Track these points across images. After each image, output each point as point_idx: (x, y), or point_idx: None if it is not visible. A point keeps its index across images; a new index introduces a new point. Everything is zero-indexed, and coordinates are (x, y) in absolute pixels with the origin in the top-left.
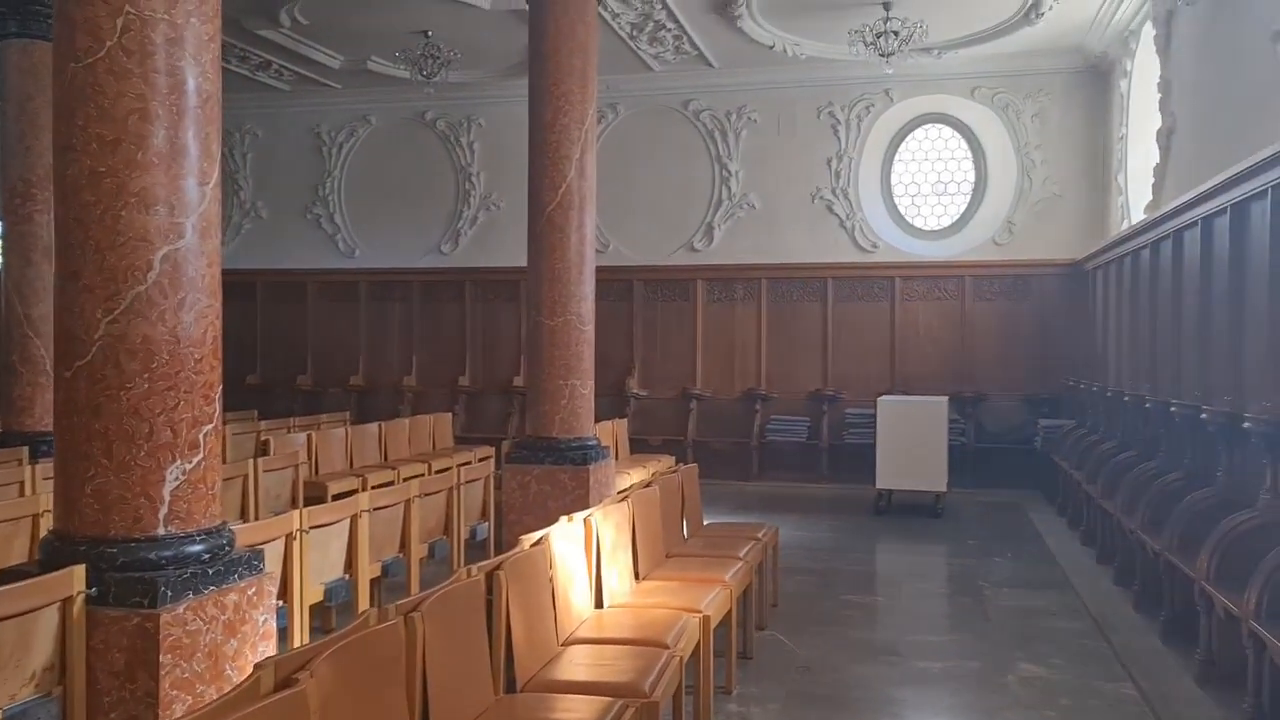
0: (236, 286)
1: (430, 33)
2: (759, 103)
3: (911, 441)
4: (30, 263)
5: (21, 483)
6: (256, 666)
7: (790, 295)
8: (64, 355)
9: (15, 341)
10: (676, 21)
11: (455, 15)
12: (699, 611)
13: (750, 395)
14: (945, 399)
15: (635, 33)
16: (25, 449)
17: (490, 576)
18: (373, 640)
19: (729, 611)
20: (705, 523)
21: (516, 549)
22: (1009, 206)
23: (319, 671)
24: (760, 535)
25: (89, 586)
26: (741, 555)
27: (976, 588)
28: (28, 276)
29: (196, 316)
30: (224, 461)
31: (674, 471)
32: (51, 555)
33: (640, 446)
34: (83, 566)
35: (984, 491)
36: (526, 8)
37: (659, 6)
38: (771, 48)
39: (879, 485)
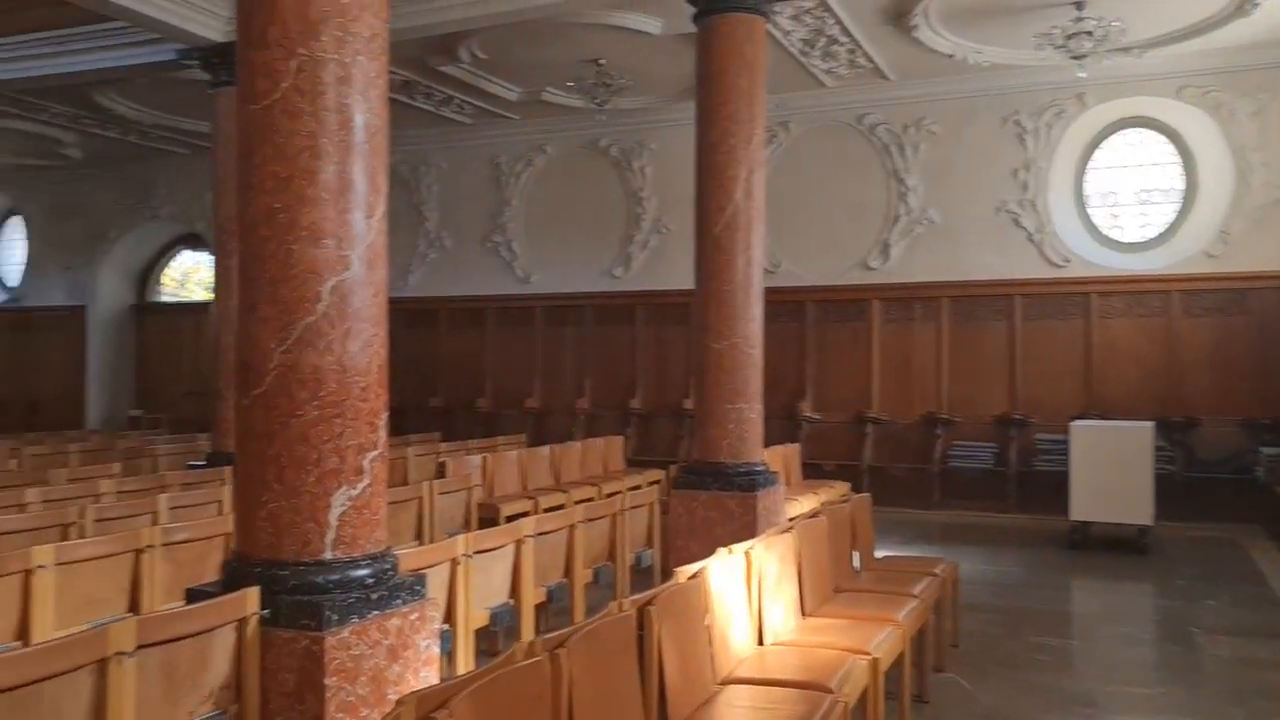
0: (421, 314)
1: (602, 61)
2: (938, 114)
3: (1111, 470)
4: (234, 295)
5: (220, 502)
6: (398, 702)
7: (973, 314)
8: (243, 384)
9: (222, 369)
10: (850, 36)
11: (627, 42)
12: (867, 653)
13: (930, 419)
14: (1150, 424)
15: (807, 49)
16: (229, 469)
17: (642, 611)
18: (516, 678)
19: (901, 653)
20: (879, 555)
21: (671, 582)
22: (1223, 215)
23: (458, 710)
24: (938, 570)
25: (263, 608)
26: (916, 592)
27: (1187, 634)
28: (231, 309)
29: (362, 345)
30: (405, 483)
31: (844, 501)
32: (232, 576)
33: (813, 472)
34: (257, 588)
35: (1196, 525)
36: (695, 31)
37: (831, 22)
38: (951, 57)
39: (1073, 517)
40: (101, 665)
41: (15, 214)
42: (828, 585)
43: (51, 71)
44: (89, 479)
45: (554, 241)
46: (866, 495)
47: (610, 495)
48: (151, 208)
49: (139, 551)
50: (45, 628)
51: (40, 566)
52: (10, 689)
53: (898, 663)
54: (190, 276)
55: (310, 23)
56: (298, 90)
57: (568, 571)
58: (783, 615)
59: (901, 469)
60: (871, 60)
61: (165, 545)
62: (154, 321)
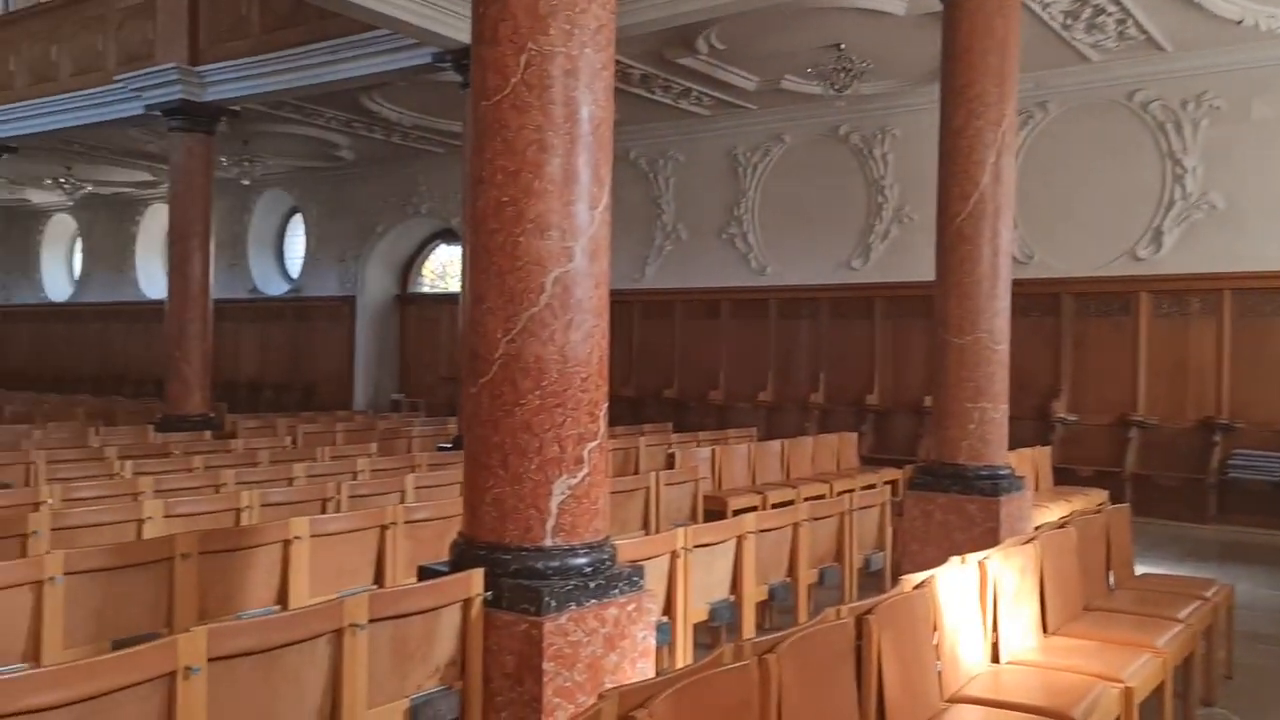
0: (657, 305)
1: (843, 45)
2: (1223, 87)
3: None
4: None
5: (460, 483)
6: (600, 696)
7: (1262, 309)
8: (471, 373)
9: None
10: (1119, 4)
11: (868, 25)
12: (1119, 681)
13: (1207, 425)
14: None
15: (1069, 21)
16: None
17: (861, 620)
18: (722, 681)
19: (1161, 683)
20: (1139, 571)
21: (895, 590)
22: None
23: (658, 711)
24: (1209, 594)
25: (486, 589)
26: (1181, 617)
27: None
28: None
29: (584, 336)
30: (636, 472)
31: (1097, 510)
32: (459, 557)
33: (1067, 477)
34: (481, 570)
35: None
36: (941, 9)
37: None
38: (1239, 23)
39: None
40: (337, 635)
41: (297, 211)
42: (1075, 602)
43: (325, 79)
44: (349, 457)
45: (790, 233)
46: (1125, 506)
47: (841, 494)
48: (413, 205)
49: (384, 528)
50: (300, 595)
51: (296, 537)
52: (257, 652)
53: (1157, 693)
54: (448, 269)
55: (539, 16)
56: (525, 84)
57: (791, 570)
58: (1021, 632)
59: (1171, 478)
60: (1144, 30)
61: (407, 523)
62: (414, 311)
